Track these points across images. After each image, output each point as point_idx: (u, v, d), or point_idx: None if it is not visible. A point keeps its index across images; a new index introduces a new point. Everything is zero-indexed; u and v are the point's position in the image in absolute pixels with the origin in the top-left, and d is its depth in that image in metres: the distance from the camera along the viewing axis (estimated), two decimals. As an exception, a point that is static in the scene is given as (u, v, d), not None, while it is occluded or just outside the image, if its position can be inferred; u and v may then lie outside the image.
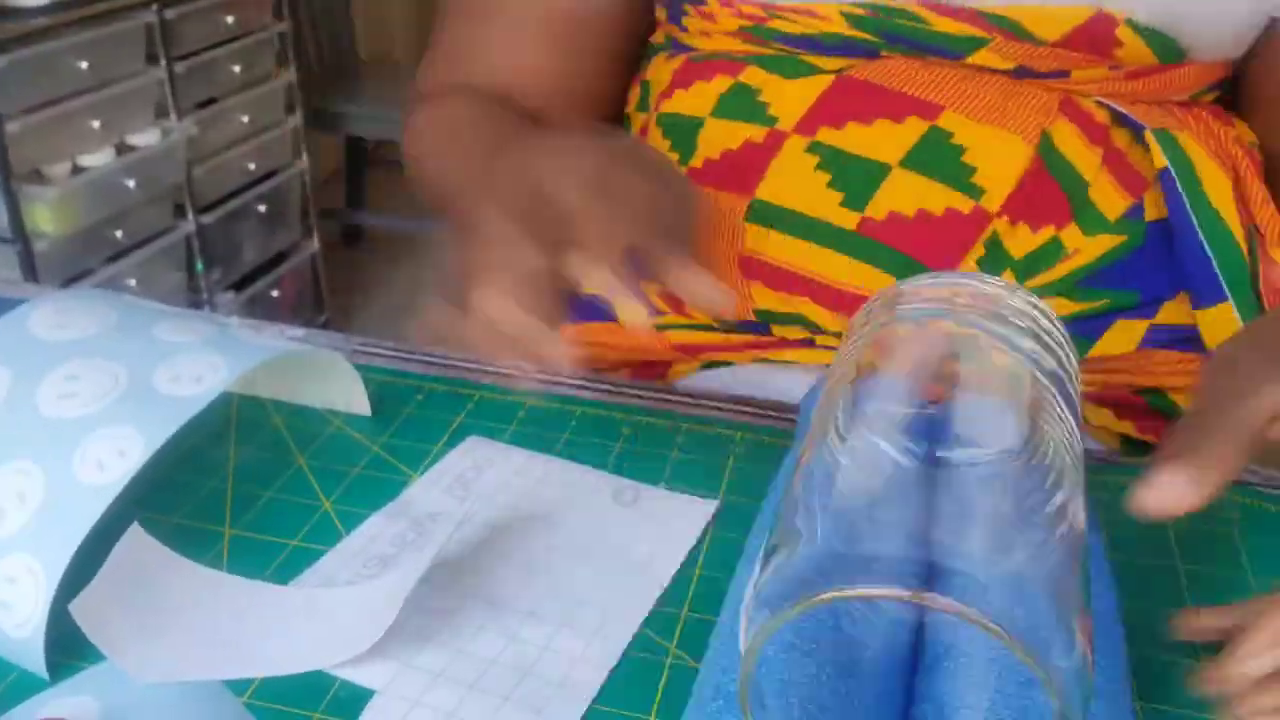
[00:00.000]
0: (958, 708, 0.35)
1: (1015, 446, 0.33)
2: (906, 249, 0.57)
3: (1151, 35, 0.57)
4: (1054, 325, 0.38)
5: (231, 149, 1.99)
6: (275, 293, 2.16)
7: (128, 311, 0.48)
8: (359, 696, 0.40)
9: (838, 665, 0.35)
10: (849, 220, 0.57)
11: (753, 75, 0.60)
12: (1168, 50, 0.58)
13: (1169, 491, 0.35)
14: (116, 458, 0.41)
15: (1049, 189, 0.56)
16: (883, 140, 0.57)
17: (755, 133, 0.59)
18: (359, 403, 0.55)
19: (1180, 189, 0.56)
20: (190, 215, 1.92)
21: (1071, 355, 0.39)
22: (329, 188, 2.86)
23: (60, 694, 0.39)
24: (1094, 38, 0.57)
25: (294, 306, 2.23)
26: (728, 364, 0.64)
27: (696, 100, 0.61)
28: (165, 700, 0.39)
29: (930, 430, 0.33)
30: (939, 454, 0.32)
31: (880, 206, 0.57)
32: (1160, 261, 0.58)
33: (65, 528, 0.40)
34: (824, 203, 0.58)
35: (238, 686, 0.40)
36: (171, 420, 0.42)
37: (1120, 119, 0.59)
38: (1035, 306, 0.38)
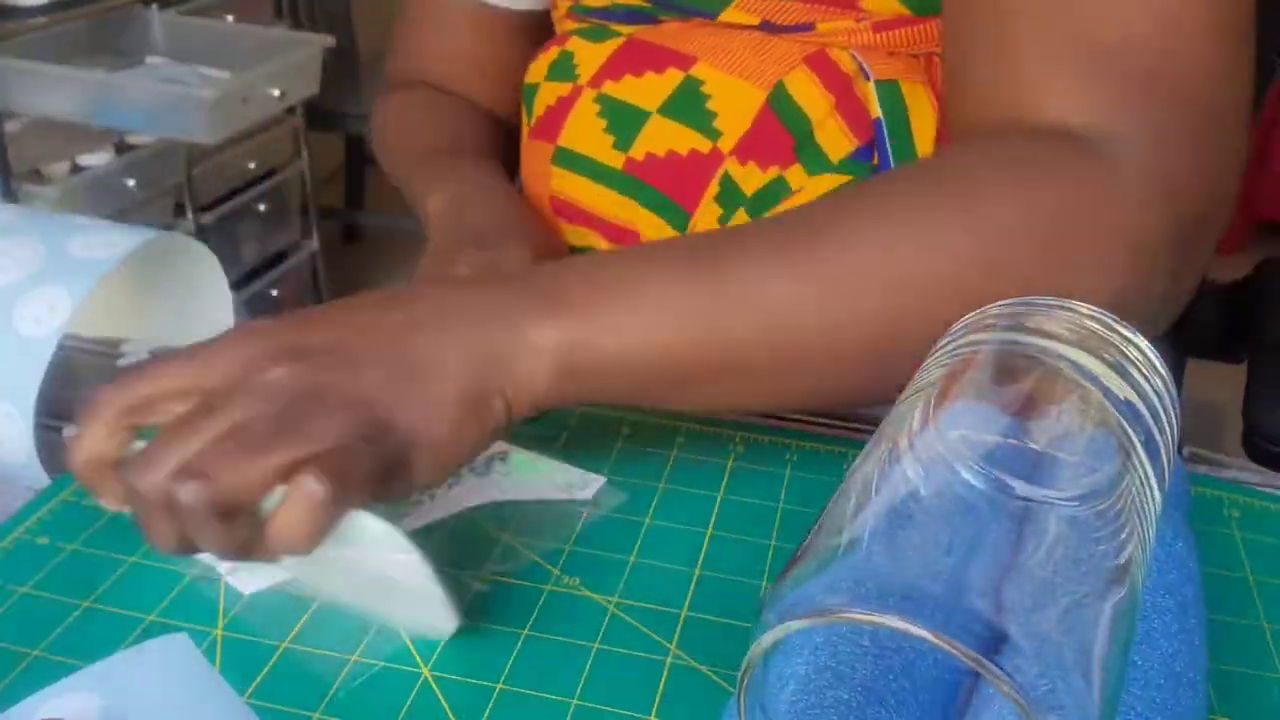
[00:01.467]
0: None
1: (1091, 492, 0.31)
2: (659, 186, 0.63)
3: None
4: (1154, 363, 0.37)
5: (231, 148, 1.99)
6: (275, 292, 2.16)
7: (34, 212, 0.57)
8: (359, 696, 0.40)
9: (872, 694, 0.34)
10: (617, 160, 0.64)
11: (573, 43, 0.68)
12: (925, 1, 0.60)
13: None
14: (48, 312, 0.49)
15: (776, 131, 0.60)
16: (647, 90, 0.64)
17: (564, 89, 0.67)
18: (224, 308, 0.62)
19: (887, 138, 0.60)
20: (190, 215, 1.92)
21: (1169, 401, 0.36)
22: (329, 187, 2.85)
23: (60, 693, 0.39)
24: None
25: (294, 306, 2.23)
26: None
27: (538, 68, 0.70)
28: (166, 699, 0.39)
29: (1007, 462, 0.31)
30: (1015, 489, 0.30)
31: (640, 148, 0.64)
32: None
33: (23, 375, 0.48)
34: (601, 146, 0.65)
35: (239, 685, 0.40)
36: (91, 277, 0.50)
37: (864, 67, 0.61)
38: (1131, 342, 0.37)
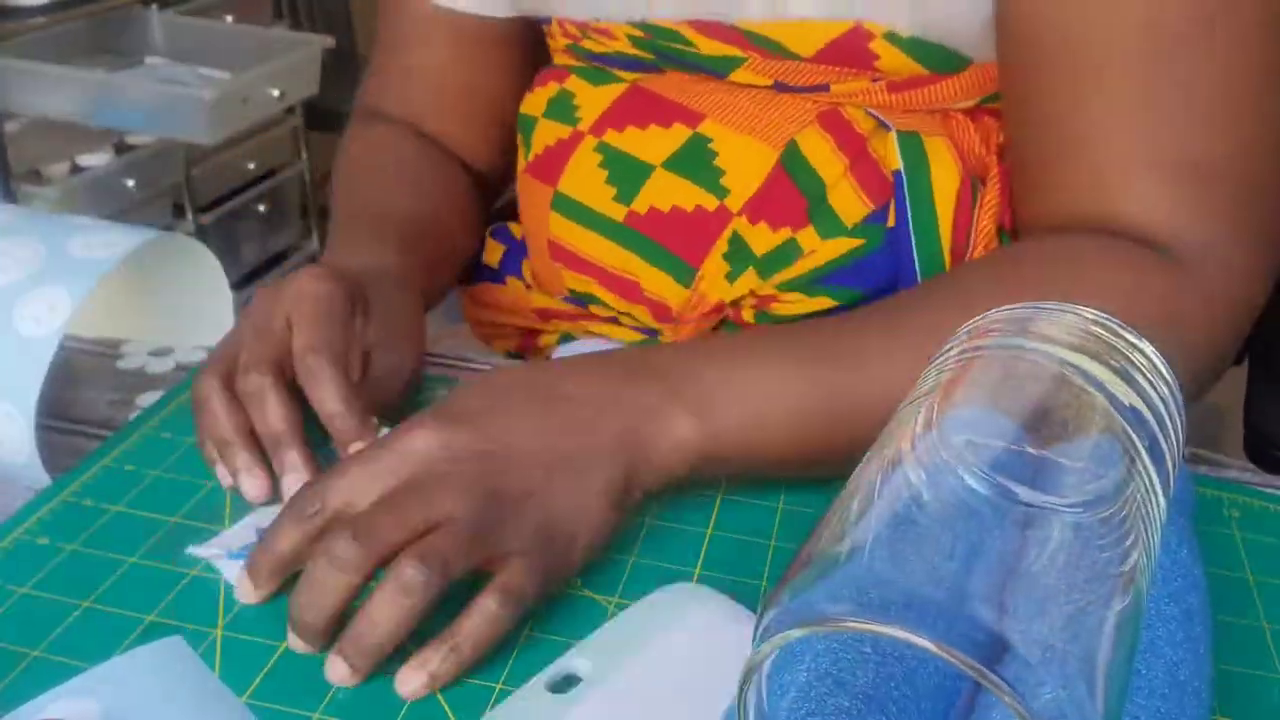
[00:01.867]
0: None
1: (1095, 499, 0.31)
2: (662, 240, 0.62)
3: (916, 46, 0.58)
4: (1159, 369, 0.36)
5: (231, 149, 1.99)
6: (275, 292, 2.16)
7: (34, 213, 0.57)
8: (359, 696, 0.40)
9: (873, 701, 0.34)
10: (618, 213, 0.63)
11: (573, 83, 0.67)
12: (941, 59, 0.59)
13: None
14: (49, 313, 0.49)
15: (788, 192, 0.60)
16: (651, 143, 0.63)
17: (564, 132, 0.66)
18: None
19: (906, 192, 0.59)
20: (190, 215, 1.92)
21: (1175, 406, 0.36)
22: (329, 187, 2.85)
23: (61, 695, 0.39)
24: (850, 52, 0.59)
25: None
26: (570, 337, 0.72)
27: (536, 101, 0.68)
28: (165, 702, 0.39)
29: (1011, 468, 0.31)
30: (1019, 495, 0.30)
31: (643, 202, 0.62)
32: (892, 265, 0.60)
33: (23, 375, 0.48)
34: (601, 196, 0.64)
35: (239, 686, 0.40)
36: (90, 277, 0.50)
37: (882, 127, 0.60)
38: (1137, 348, 0.36)
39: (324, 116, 2.36)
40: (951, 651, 0.25)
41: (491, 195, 0.79)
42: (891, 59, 0.59)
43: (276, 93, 1.76)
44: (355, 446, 0.49)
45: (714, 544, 0.48)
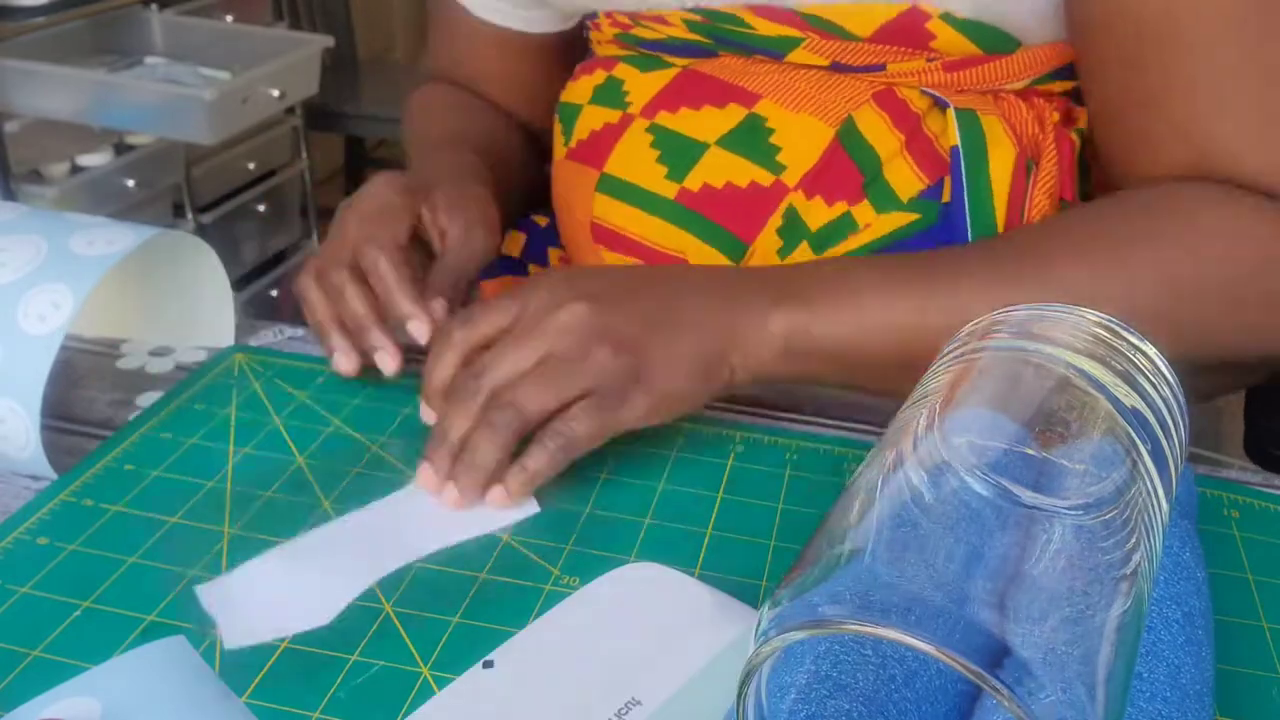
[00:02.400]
0: None
1: (1097, 501, 0.31)
2: (715, 216, 0.63)
3: (971, 27, 0.59)
4: (1162, 372, 0.36)
5: (231, 148, 1.99)
6: (274, 292, 2.16)
7: (36, 211, 0.57)
8: (359, 696, 0.40)
9: (874, 704, 0.34)
10: (670, 190, 0.64)
11: (621, 70, 0.68)
12: (995, 40, 0.60)
13: None
14: (53, 310, 0.49)
15: (844, 167, 0.61)
16: (706, 123, 0.64)
17: (612, 116, 0.67)
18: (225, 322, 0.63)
19: (963, 168, 0.60)
20: (190, 215, 1.92)
21: (1177, 409, 0.36)
22: (329, 187, 2.85)
23: (62, 695, 0.39)
24: (907, 32, 0.60)
25: (294, 306, 2.23)
26: None
27: (580, 89, 0.70)
28: (167, 701, 0.39)
29: (1013, 470, 0.31)
30: (1021, 498, 0.30)
31: (696, 179, 0.63)
32: (946, 240, 0.61)
33: (28, 371, 0.49)
34: (652, 175, 0.65)
35: (239, 685, 0.40)
36: (93, 274, 0.51)
37: (938, 105, 0.62)
38: (1140, 350, 0.37)
39: (324, 116, 2.37)
40: (951, 655, 0.25)
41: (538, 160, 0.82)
42: (947, 39, 0.60)
43: (276, 93, 1.76)
44: (412, 325, 0.56)
45: (714, 544, 0.48)
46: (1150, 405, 0.35)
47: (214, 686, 0.40)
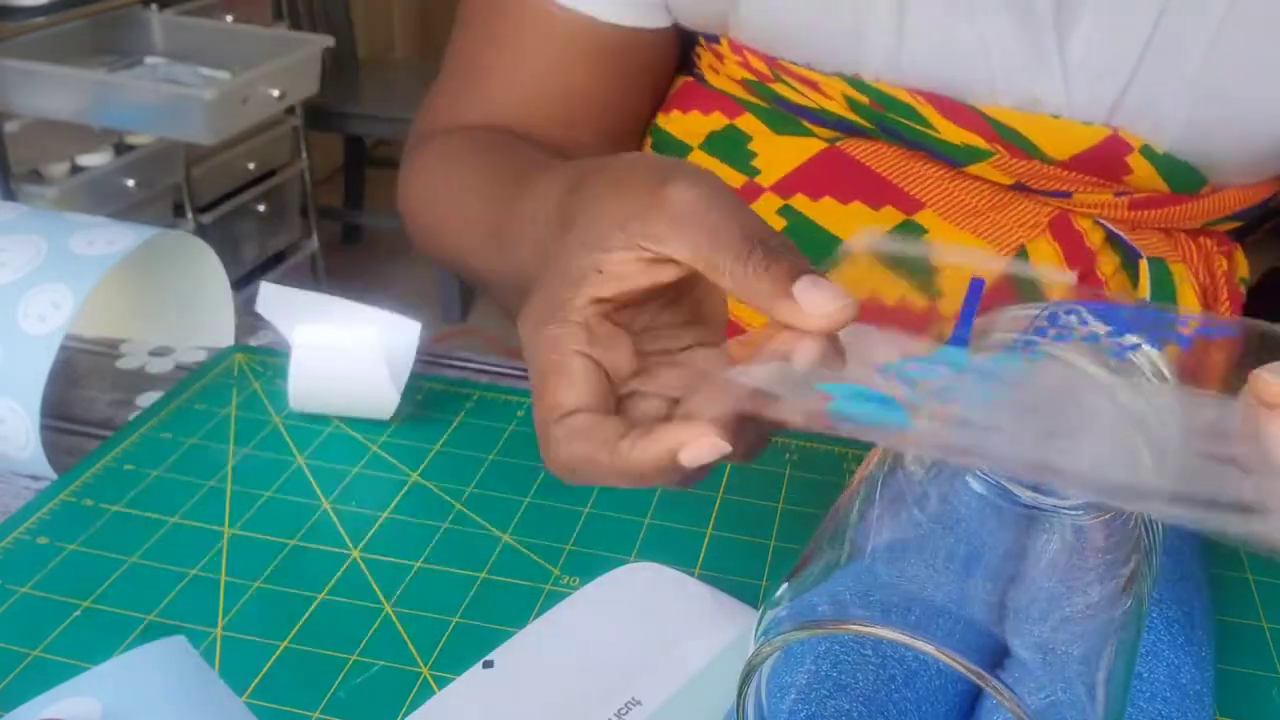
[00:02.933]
0: None
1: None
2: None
3: (1167, 163, 0.55)
4: (1160, 369, 0.36)
5: (230, 148, 1.99)
6: (274, 292, 2.16)
7: (36, 211, 0.57)
8: (359, 696, 0.40)
9: (874, 704, 0.34)
10: None
11: (747, 122, 0.59)
12: (1186, 179, 0.56)
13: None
14: (52, 310, 0.49)
15: (1007, 301, 0.56)
16: (854, 221, 0.56)
17: (734, 179, 0.58)
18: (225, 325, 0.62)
19: None
20: (189, 215, 1.92)
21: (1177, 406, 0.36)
22: (328, 187, 2.85)
23: (62, 695, 0.39)
24: (1103, 162, 0.55)
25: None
26: None
27: (690, 127, 0.60)
28: (167, 701, 0.39)
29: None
30: (1021, 497, 0.30)
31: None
32: None
33: (28, 371, 0.48)
34: None
35: (239, 685, 0.40)
36: (93, 274, 0.50)
37: (1114, 240, 0.57)
38: (1138, 347, 0.36)
39: (324, 116, 2.37)
40: (951, 655, 0.25)
41: None
42: (1142, 174, 0.55)
43: (276, 93, 1.76)
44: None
45: (714, 544, 0.48)
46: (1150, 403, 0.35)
47: (214, 686, 0.40)
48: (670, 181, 0.36)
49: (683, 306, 0.39)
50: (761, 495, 0.51)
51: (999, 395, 0.32)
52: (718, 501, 0.50)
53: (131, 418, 0.55)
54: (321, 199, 2.49)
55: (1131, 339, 0.35)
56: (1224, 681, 0.41)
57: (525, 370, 0.60)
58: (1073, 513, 0.30)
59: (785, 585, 0.29)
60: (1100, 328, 0.36)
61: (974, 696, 0.36)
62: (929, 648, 0.26)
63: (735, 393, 0.33)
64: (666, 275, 0.36)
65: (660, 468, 0.33)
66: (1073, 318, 0.36)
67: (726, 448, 0.33)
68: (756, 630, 0.29)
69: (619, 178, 0.38)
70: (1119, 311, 0.36)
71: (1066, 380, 0.33)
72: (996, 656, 0.26)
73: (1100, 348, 0.36)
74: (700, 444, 0.33)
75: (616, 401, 0.36)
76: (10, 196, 1.58)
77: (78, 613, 0.43)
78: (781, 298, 0.34)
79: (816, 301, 0.33)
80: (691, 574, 0.46)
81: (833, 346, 0.34)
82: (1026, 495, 0.30)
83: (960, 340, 0.34)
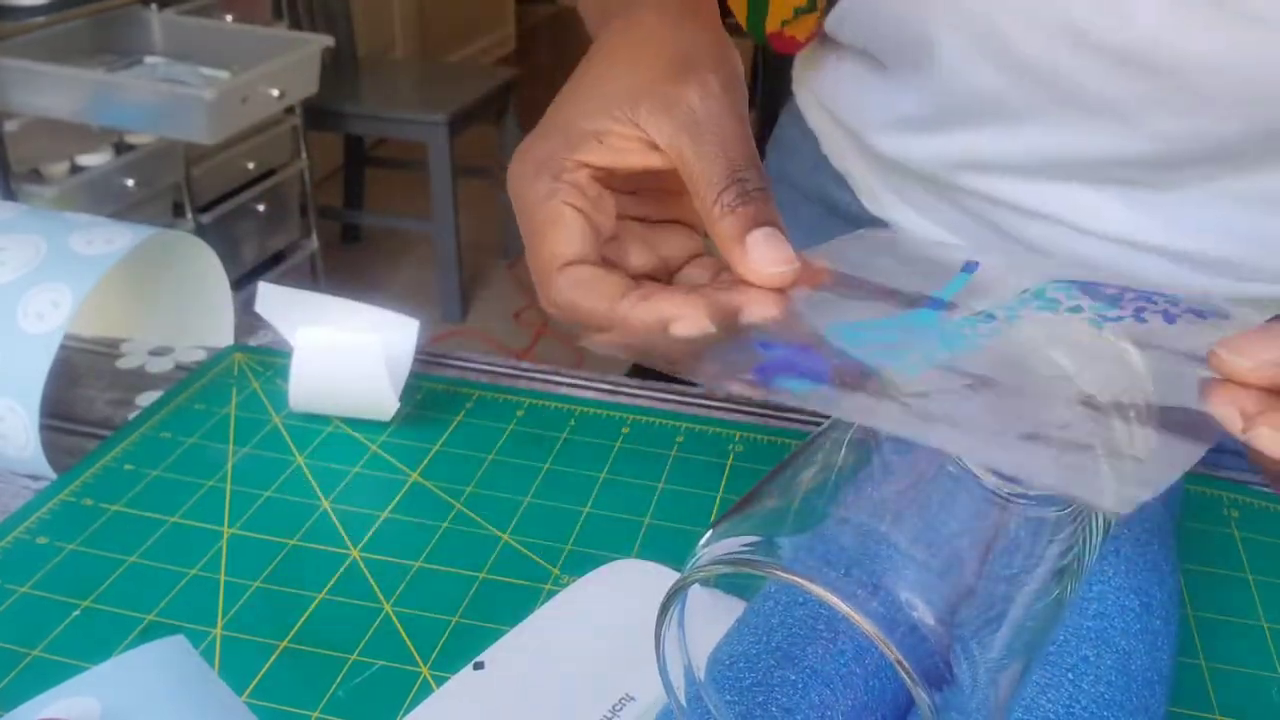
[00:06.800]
0: None
1: (1046, 497, 0.31)
2: None
3: None
4: (1125, 358, 0.36)
5: (230, 148, 1.99)
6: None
7: (35, 210, 0.57)
8: (359, 696, 0.40)
9: (818, 675, 0.35)
10: None
11: None
12: None
13: None
14: (52, 309, 0.49)
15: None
16: None
17: None
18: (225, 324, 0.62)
19: None
20: (189, 214, 1.92)
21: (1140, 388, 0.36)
22: (328, 186, 2.86)
23: (62, 695, 0.39)
24: None
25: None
26: None
27: None
28: (167, 701, 0.39)
29: None
30: (986, 483, 0.31)
31: None
32: None
33: (27, 370, 0.48)
34: None
35: (239, 685, 0.40)
36: (93, 273, 0.50)
37: None
38: (1122, 324, 0.36)
39: (323, 116, 2.37)
40: (848, 608, 0.26)
41: None
42: None
43: (276, 92, 1.76)
44: None
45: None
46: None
47: (214, 686, 0.40)
48: (687, 81, 0.38)
49: (664, 203, 0.41)
50: (761, 495, 0.51)
51: (954, 352, 0.32)
52: (717, 501, 0.50)
53: (131, 417, 0.55)
54: (321, 199, 2.49)
55: (1114, 313, 0.35)
56: (1224, 681, 0.41)
57: (525, 370, 0.60)
58: (1022, 502, 0.31)
59: (721, 523, 0.30)
60: (1085, 301, 0.36)
61: None
62: (822, 590, 0.26)
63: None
64: (660, 162, 0.38)
65: (650, 332, 0.35)
66: (1060, 293, 0.37)
67: (712, 329, 0.35)
68: (688, 562, 0.29)
69: (638, 56, 0.40)
70: (1105, 289, 0.37)
71: (1032, 344, 0.33)
72: (893, 613, 0.26)
73: (1083, 318, 0.36)
74: (691, 321, 0.35)
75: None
76: (10, 196, 1.58)
77: (77, 612, 0.43)
78: (734, 241, 0.36)
79: (761, 256, 0.36)
80: (691, 574, 0.46)
81: (776, 305, 0.36)
82: (989, 480, 0.31)
83: (937, 305, 0.34)
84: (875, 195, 0.64)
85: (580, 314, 0.37)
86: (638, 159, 0.39)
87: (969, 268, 0.37)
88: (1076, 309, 0.36)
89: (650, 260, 0.40)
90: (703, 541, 0.29)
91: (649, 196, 0.41)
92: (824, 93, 0.65)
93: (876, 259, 0.40)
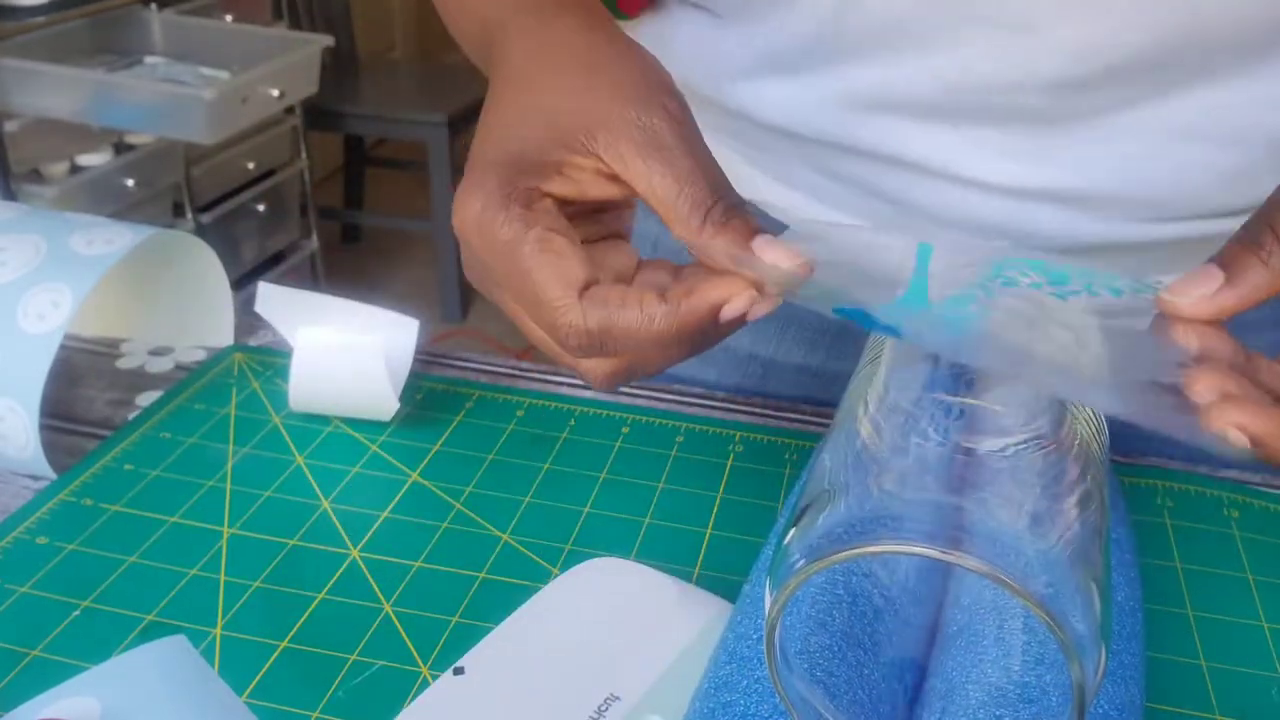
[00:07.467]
0: (964, 684, 0.36)
1: (1043, 433, 0.33)
2: None
3: None
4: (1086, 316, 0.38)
5: (230, 148, 1.99)
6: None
7: (35, 210, 0.57)
8: (358, 696, 0.40)
9: (852, 639, 0.37)
10: None
11: None
12: None
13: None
14: (52, 309, 0.49)
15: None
16: None
17: None
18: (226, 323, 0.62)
19: None
20: (189, 214, 1.92)
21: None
22: (328, 187, 2.86)
23: (62, 695, 0.39)
24: None
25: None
26: None
27: None
28: (167, 701, 0.39)
29: (961, 415, 0.34)
30: (966, 443, 0.32)
31: None
32: None
33: (27, 370, 0.48)
34: None
35: (238, 685, 0.40)
36: (93, 273, 0.50)
37: None
38: (1079, 297, 0.37)
39: (323, 116, 2.37)
40: (930, 550, 0.28)
41: None
42: None
43: (276, 92, 1.76)
44: None
45: (713, 544, 0.48)
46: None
47: (214, 686, 0.40)
48: (648, 105, 0.36)
49: (599, 221, 0.40)
50: (762, 495, 0.51)
51: (963, 334, 0.34)
52: (717, 501, 0.50)
53: (131, 417, 0.55)
54: (321, 199, 2.49)
55: (1069, 288, 0.37)
56: (1223, 681, 0.41)
57: (525, 370, 0.60)
58: (1016, 445, 0.33)
59: (784, 543, 0.31)
60: (1040, 278, 0.37)
61: (933, 630, 0.39)
62: (909, 547, 0.28)
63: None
64: (617, 193, 0.37)
65: (702, 323, 0.35)
66: (1015, 272, 0.37)
67: (767, 305, 0.36)
68: (771, 579, 0.31)
69: (593, 69, 0.38)
70: (1052, 266, 0.38)
71: (1027, 319, 0.35)
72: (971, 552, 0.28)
73: (1048, 293, 0.37)
74: (743, 298, 0.35)
75: None
76: (10, 196, 1.58)
77: (77, 612, 0.43)
78: (739, 251, 0.35)
79: (778, 259, 0.35)
80: (691, 573, 0.46)
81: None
82: (967, 440, 0.32)
83: (917, 293, 0.36)
84: (744, 179, 0.57)
85: (615, 333, 0.35)
86: (595, 190, 0.37)
87: (923, 251, 0.38)
88: (1037, 285, 0.37)
89: (607, 278, 0.39)
90: (784, 558, 0.31)
91: (581, 218, 0.39)
92: (672, 56, 0.53)
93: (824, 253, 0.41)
